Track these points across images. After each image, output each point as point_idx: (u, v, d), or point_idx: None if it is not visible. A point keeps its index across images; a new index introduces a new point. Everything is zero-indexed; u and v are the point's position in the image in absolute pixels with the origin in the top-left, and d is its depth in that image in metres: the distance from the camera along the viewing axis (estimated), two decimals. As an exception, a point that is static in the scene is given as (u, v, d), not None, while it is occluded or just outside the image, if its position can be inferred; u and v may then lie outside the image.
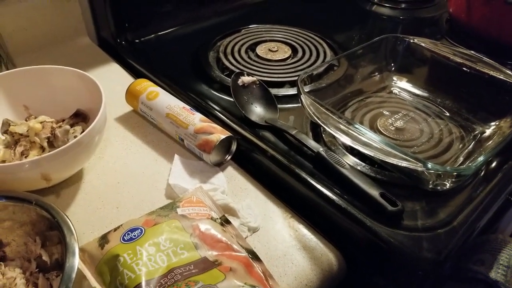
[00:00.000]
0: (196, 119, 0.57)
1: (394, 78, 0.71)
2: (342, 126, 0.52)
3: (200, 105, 0.64)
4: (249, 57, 0.76)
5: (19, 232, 0.44)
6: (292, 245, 0.48)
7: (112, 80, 0.72)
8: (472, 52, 0.67)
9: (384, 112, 0.63)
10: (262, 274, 0.42)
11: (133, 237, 0.41)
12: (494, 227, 0.75)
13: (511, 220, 0.84)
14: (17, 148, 0.51)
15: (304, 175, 0.52)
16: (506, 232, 0.82)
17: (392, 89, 0.70)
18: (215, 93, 0.67)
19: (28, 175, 0.45)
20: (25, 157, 0.51)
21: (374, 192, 0.48)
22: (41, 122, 0.53)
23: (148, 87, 0.62)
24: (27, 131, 0.52)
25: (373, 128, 0.60)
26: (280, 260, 0.46)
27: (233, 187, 0.54)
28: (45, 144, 0.52)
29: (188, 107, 0.59)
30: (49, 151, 0.47)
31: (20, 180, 0.45)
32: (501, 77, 0.62)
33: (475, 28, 0.83)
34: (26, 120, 0.55)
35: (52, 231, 0.43)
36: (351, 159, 0.55)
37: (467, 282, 0.52)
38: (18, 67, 0.58)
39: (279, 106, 0.63)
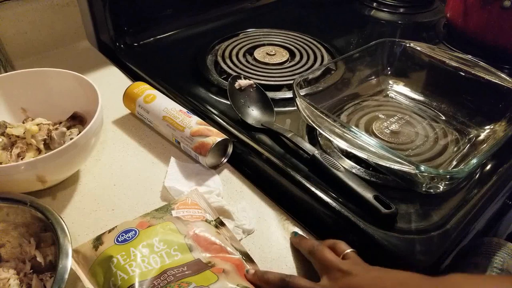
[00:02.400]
0: (192, 122, 0.57)
1: (391, 82, 0.71)
2: (336, 130, 0.53)
3: (197, 108, 0.65)
4: (247, 61, 0.77)
5: (14, 233, 0.44)
6: (286, 247, 0.48)
7: (111, 83, 0.72)
8: (469, 56, 0.67)
9: (380, 116, 0.63)
10: (255, 276, 0.42)
11: (127, 238, 0.42)
12: (493, 230, 0.74)
13: (510, 224, 0.84)
14: (14, 150, 0.51)
15: (299, 177, 0.52)
16: (504, 236, 0.82)
17: (388, 92, 0.70)
18: (212, 96, 0.68)
19: (24, 176, 0.45)
20: (21, 159, 0.51)
21: (368, 195, 0.48)
22: (37, 124, 0.53)
23: (146, 90, 0.63)
24: (24, 133, 0.52)
25: (369, 131, 0.60)
26: (274, 262, 0.47)
27: (229, 189, 0.55)
28: (41, 146, 0.52)
29: (185, 110, 0.60)
30: (45, 153, 0.47)
31: (15, 181, 0.45)
32: (497, 81, 0.62)
33: (472, 33, 0.83)
34: (23, 122, 0.55)
35: (46, 232, 0.43)
36: (346, 162, 0.55)
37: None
38: (17, 70, 0.58)
39: (276, 109, 0.64)
